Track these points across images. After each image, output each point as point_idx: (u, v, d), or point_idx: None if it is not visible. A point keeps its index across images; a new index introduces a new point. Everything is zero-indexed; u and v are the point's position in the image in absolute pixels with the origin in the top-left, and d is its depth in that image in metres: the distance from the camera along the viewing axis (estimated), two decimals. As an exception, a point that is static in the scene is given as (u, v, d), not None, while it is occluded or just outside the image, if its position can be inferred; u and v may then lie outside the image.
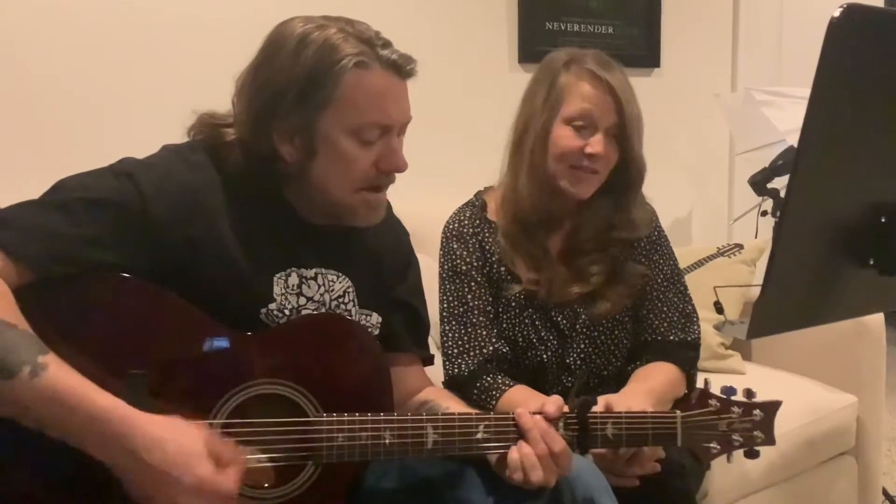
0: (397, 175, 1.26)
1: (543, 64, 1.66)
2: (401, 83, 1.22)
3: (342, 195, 1.23)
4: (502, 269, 1.65)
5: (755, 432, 1.27)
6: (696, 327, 1.69)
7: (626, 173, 1.63)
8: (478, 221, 1.69)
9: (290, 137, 1.20)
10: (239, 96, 1.24)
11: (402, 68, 1.20)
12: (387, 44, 1.20)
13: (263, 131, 1.20)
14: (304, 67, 1.16)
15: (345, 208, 1.25)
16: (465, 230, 1.68)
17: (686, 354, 1.65)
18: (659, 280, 1.68)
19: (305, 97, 1.17)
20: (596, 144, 1.55)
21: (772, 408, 1.28)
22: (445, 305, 1.64)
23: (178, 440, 1.01)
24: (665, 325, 1.66)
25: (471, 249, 1.66)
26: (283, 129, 1.19)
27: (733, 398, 1.27)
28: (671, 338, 1.65)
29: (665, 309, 1.67)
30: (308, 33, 1.17)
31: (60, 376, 0.99)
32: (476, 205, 1.72)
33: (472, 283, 1.64)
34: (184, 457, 1.00)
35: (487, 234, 1.67)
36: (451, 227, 1.70)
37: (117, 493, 1.03)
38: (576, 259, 1.65)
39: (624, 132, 1.58)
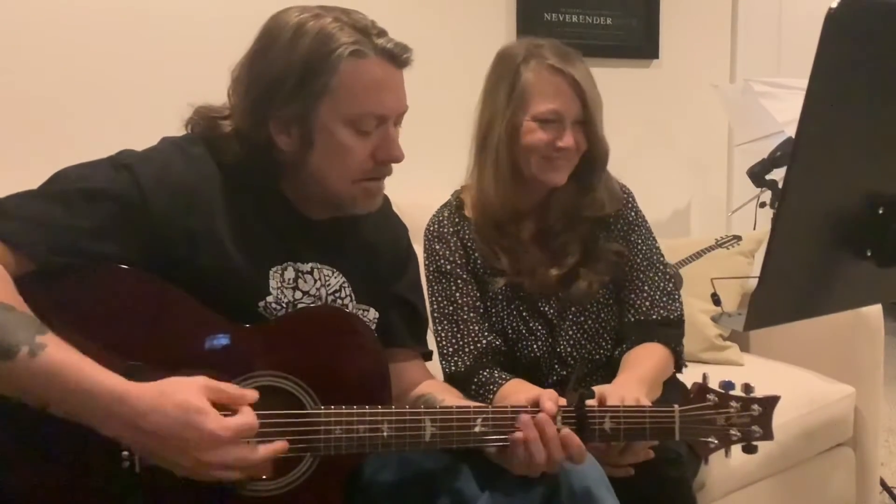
0: (396, 168, 1.26)
1: (501, 57, 1.67)
2: (396, 72, 1.22)
3: (339, 185, 1.23)
4: (484, 264, 1.66)
5: (753, 427, 1.27)
6: (678, 304, 1.70)
7: (590, 156, 1.65)
8: (457, 219, 1.70)
9: (286, 127, 1.20)
10: (235, 87, 1.24)
11: (397, 57, 1.20)
12: (382, 32, 1.21)
13: (260, 121, 1.20)
14: (300, 56, 1.16)
15: (343, 198, 1.25)
16: (445, 230, 1.69)
17: (670, 332, 1.67)
18: (638, 260, 1.70)
19: (302, 86, 1.16)
20: (567, 139, 1.58)
21: (770, 403, 1.28)
22: (435, 306, 1.65)
23: (178, 400, 1.01)
24: (647, 304, 1.67)
25: (453, 248, 1.67)
26: (280, 119, 1.19)
27: (731, 393, 1.27)
28: (654, 317, 1.67)
29: (646, 288, 1.68)
30: (304, 23, 1.17)
31: (59, 355, 0.99)
32: (453, 204, 1.73)
33: (459, 281, 1.65)
34: (187, 415, 1.00)
35: (467, 232, 1.69)
36: (431, 228, 1.71)
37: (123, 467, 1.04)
38: (549, 241, 1.67)
39: (588, 118, 1.60)
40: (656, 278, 1.70)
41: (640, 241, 1.71)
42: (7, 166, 1.86)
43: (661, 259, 1.74)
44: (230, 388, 1.07)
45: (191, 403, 1.01)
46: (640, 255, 1.70)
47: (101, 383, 1.00)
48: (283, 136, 1.20)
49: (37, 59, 2.00)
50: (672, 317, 1.68)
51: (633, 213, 1.73)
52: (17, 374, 0.98)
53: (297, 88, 1.17)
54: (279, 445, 1.08)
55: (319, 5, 1.22)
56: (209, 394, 1.03)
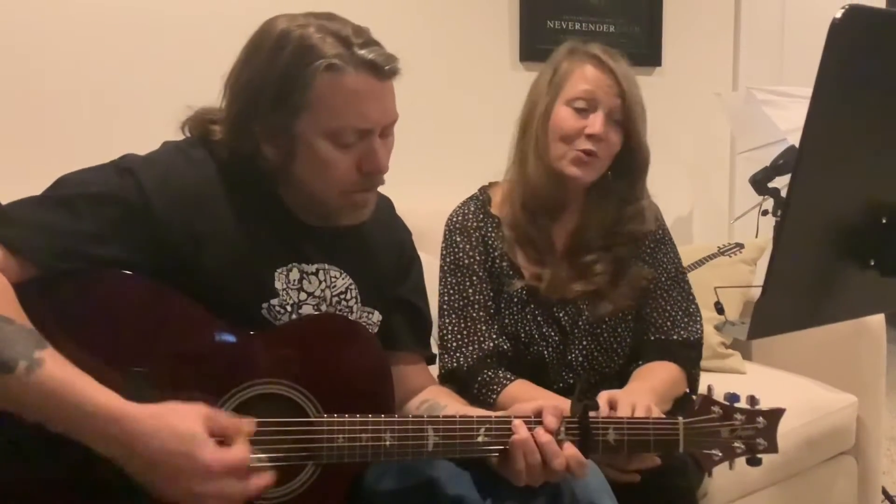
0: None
1: (550, 56, 1.67)
2: (379, 84, 1.18)
3: (325, 196, 1.23)
4: (504, 263, 1.65)
5: (758, 440, 1.26)
6: (698, 326, 1.68)
7: (631, 161, 1.63)
8: (481, 216, 1.68)
9: (271, 138, 1.19)
10: (224, 94, 1.23)
11: (380, 68, 1.17)
12: (367, 42, 1.17)
13: (245, 131, 1.19)
14: (279, 69, 1.15)
15: (330, 209, 1.25)
16: (469, 224, 1.67)
17: (688, 354, 1.65)
18: (663, 279, 1.68)
19: (281, 99, 1.16)
20: (596, 124, 1.55)
21: (775, 415, 1.28)
22: (446, 298, 1.64)
23: (175, 427, 1.00)
24: (668, 323, 1.66)
25: (474, 243, 1.65)
26: (264, 130, 1.19)
27: (736, 405, 1.26)
28: (674, 337, 1.65)
29: (668, 308, 1.67)
30: (287, 32, 1.16)
31: (56, 372, 0.98)
32: (480, 199, 1.72)
33: (474, 277, 1.63)
34: (183, 444, 1.00)
35: (491, 229, 1.67)
36: (454, 220, 1.70)
37: (121, 485, 1.02)
38: (580, 256, 1.64)
39: (627, 116, 1.58)
40: (679, 298, 1.68)
41: (665, 260, 1.70)
42: (9, 172, 1.86)
43: (686, 279, 1.72)
44: (227, 420, 1.06)
45: (188, 432, 1.00)
46: (666, 274, 1.69)
47: (99, 403, 0.99)
48: (268, 146, 1.20)
49: (38, 65, 2.00)
50: (692, 338, 1.66)
51: (661, 231, 1.72)
52: (14, 389, 0.97)
53: (277, 100, 1.16)
54: (264, 482, 1.05)
55: (309, 13, 1.20)
56: (207, 422, 1.02)
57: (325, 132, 1.17)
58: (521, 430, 1.18)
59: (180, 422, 1.01)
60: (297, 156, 1.19)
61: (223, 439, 1.03)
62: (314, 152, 1.18)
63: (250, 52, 1.20)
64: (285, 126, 1.17)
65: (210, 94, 1.26)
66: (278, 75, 1.15)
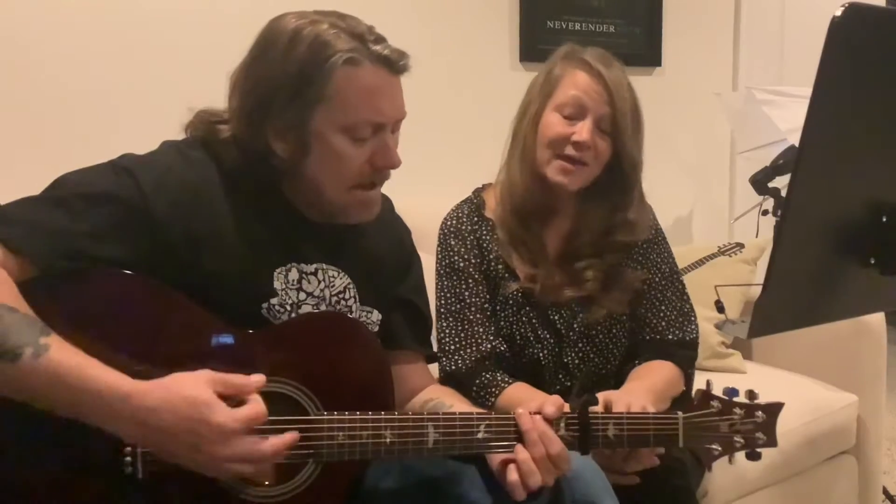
0: (398, 172, 1.26)
1: (549, 57, 1.66)
2: (393, 79, 1.21)
3: (335, 193, 1.23)
4: (500, 266, 1.65)
5: (757, 434, 1.26)
6: (693, 326, 1.68)
7: (619, 171, 1.61)
8: (476, 219, 1.68)
9: (283, 134, 1.20)
10: (233, 93, 1.24)
11: (394, 64, 1.20)
12: (379, 39, 1.20)
13: (257, 128, 1.20)
14: (295, 64, 1.16)
15: (337, 206, 1.25)
16: (463, 227, 1.67)
17: (684, 353, 1.65)
18: (657, 279, 1.68)
19: (297, 94, 1.16)
20: (583, 131, 1.54)
21: (774, 409, 1.28)
22: (442, 302, 1.64)
23: (184, 395, 1.01)
24: (663, 323, 1.66)
25: (468, 246, 1.65)
26: (277, 126, 1.19)
27: (735, 399, 1.27)
28: (669, 337, 1.65)
29: (663, 308, 1.67)
30: (300, 29, 1.17)
31: (63, 356, 1.00)
32: (474, 202, 1.71)
33: (470, 280, 1.63)
34: (194, 409, 1.00)
35: (485, 232, 1.67)
36: (448, 223, 1.70)
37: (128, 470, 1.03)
38: (572, 263, 1.64)
39: (616, 125, 1.56)
40: (674, 298, 1.68)
41: (659, 260, 1.69)
42: (8, 173, 1.86)
43: (680, 279, 1.72)
44: (235, 379, 1.06)
45: (198, 397, 1.01)
46: (660, 275, 1.68)
47: (107, 382, 1.00)
48: (280, 143, 1.20)
49: (38, 65, 2.00)
50: (687, 339, 1.66)
51: (653, 232, 1.71)
52: (23, 376, 0.98)
53: (293, 96, 1.17)
54: (289, 438, 1.06)
55: (316, 10, 1.21)
56: (215, 386, 1.03)
57: (341, 126, 1.18)
58: (524, 419, 1.18)
59: (189, 389, 1.02)
60: (311, 151, 1.20)
61: (234, 399, 1.04)
62: (329, 147, 1.19)
63: (261, 49, 1.20)
64: (300, 121, 1.18)
65: (210, 93, 1.26)
66: (294, 71, 1.16)
